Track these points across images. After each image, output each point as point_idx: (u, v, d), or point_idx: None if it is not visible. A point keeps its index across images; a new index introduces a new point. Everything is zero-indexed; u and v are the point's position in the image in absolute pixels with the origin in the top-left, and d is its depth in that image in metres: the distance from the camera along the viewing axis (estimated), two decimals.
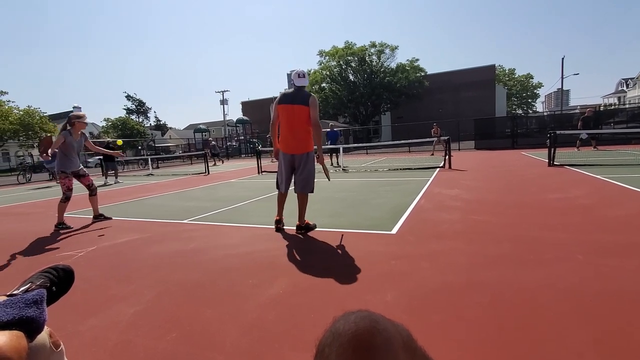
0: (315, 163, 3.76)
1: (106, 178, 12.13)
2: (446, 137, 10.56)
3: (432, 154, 15.48)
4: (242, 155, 30.00)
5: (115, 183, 11.43)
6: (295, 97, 3.53)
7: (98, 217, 5.15)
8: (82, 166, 5.01)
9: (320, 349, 0.47)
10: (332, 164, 13.23)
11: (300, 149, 3.61)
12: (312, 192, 3.72)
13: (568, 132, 13.43)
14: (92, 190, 5.08)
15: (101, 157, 12.85)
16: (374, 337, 0.44)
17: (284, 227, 3.90)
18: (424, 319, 1.88)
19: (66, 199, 4.75)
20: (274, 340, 1.75)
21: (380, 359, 0.43)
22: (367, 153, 21.75)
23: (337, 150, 13.52)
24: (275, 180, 3.91)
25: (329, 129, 13.44)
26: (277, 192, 3.91)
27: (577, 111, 33.52)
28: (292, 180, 3.78)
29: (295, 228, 3.77)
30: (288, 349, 1.68)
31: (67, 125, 4.78)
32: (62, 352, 1.14)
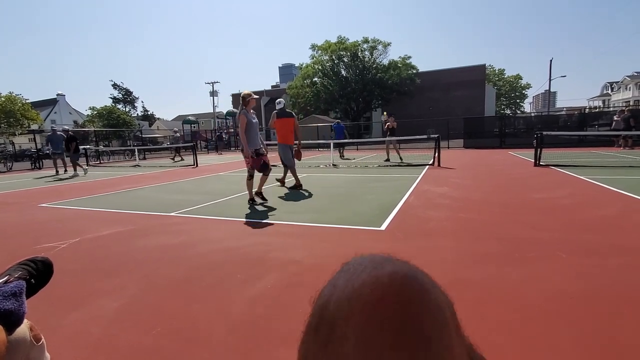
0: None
1: (75, 170, 11.30)
2: (436, 135, 10.64)
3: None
4: (232, 149, 29.70)
5: (85, 174, 11.14)
6: (283, 114, 6.24)
7: (258, 194, 5.26)
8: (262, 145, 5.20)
9: (323, 305, 0.28)
10: (340, 157, 14.18)
11: (289, 141, 6.36)
12: (291, 165, 6.42)
13: (554, 133, 13.66)
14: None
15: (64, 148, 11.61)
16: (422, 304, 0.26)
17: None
18: None
19: (250, 176, 5.06)
20: (261, 337, 1.74)
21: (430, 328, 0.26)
22: (357, 149, 21.78)
23: (342, 145, 14.18)
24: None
25: (334, 123, 14.76)
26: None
27: (563, 113, 34.18)
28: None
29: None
30: (276, 345, 1.67)
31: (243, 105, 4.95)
32: (43, 346, 1.11)
